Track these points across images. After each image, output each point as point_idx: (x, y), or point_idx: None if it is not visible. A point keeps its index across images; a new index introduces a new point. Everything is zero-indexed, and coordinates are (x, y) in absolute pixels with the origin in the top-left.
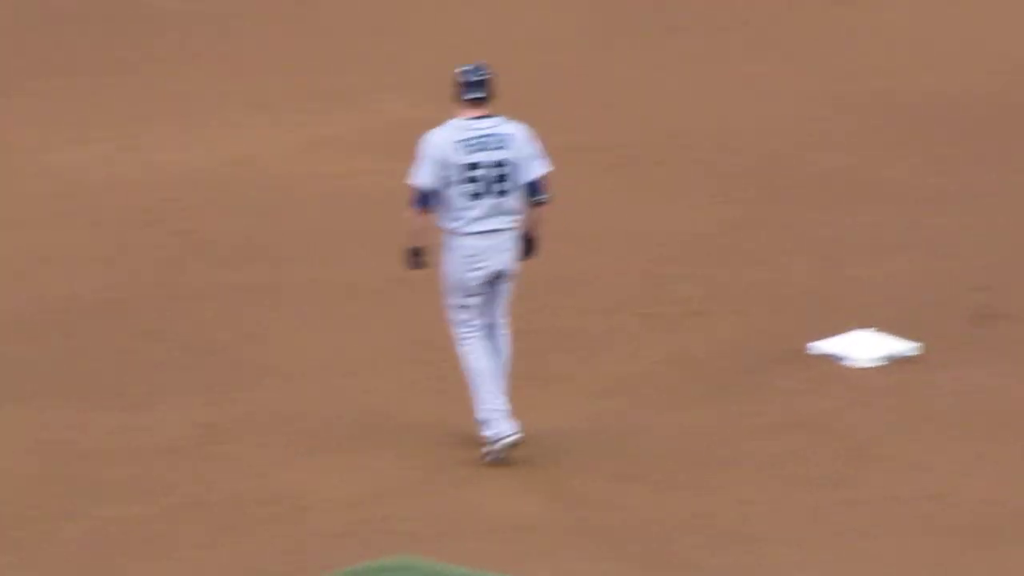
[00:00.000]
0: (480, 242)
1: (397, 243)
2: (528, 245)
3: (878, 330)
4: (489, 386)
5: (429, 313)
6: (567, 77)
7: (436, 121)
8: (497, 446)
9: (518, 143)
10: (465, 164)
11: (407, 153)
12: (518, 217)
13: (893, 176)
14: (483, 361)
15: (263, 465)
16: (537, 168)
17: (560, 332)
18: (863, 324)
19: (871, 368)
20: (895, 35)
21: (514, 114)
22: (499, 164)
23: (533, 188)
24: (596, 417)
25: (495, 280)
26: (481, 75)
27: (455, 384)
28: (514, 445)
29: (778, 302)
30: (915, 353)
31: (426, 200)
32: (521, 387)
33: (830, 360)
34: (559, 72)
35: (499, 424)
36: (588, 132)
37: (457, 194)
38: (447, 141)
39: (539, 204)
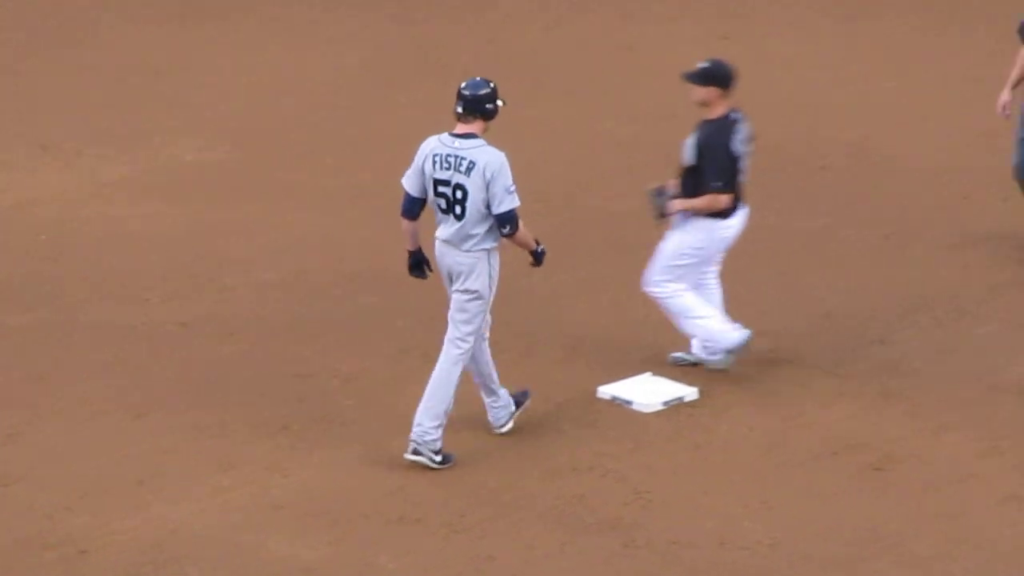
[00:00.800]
0: (441, 247)
1: (182, 286)
2: (534, 259)
3: (660, 374)
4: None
5: (215, 355)
6: (350, 117)
7: (227, 163)
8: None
9: (483, 174)
10: (434, 179)
11: (196, 195)
12: (477, 244)
13: None
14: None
15: (48, 508)
16: (503, 203)
17: (344, 375)
18: (648, 367)
19: (655, 412)
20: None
21: (299, 155)
22: (458, 188)
23: (500, 221)
24: (380, 460)
25: (454, 290)
26: (472, 91)
27: (239, 429)
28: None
29: (568, 344)
30: (696, 397)
31: (412, 205)
32: (308, 429)
33: (616, 404)
34: (342, 113)
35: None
36: (371, 173)
37: (433, 204)
38: (427, 152)
39: (506, 236)
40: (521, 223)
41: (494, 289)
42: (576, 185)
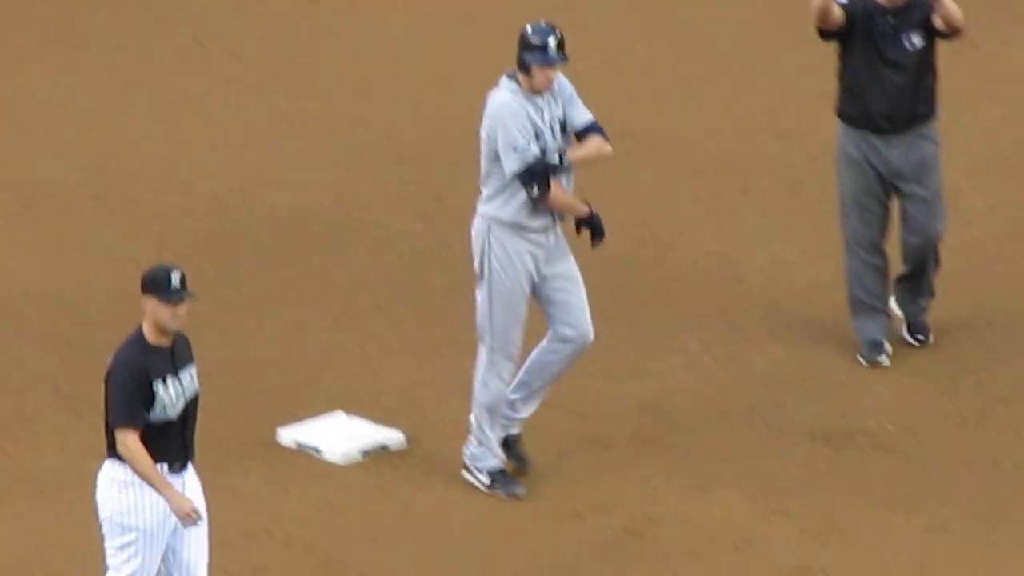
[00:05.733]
0: None
1: None
2: (588, 228)
3: (357, 412)
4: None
5: None
6: None
7: None
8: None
9: (484, 121)
10: None
11: None
12: (482, 204)
13: (381, 219)
14: None
15: None
16: (505, 161)
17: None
18: (340, 405)
19: (351, 464)
20: (375, 42)
21: None
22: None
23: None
24: None
25: None
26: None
27: None
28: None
29: (242, 379)
30: (403, 445)
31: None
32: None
33: (301, 452)
34: None
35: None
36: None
37: None
38: None
39: (536, 201)
40: (556, 183)
41: (500, 282)
42: (238, 180)
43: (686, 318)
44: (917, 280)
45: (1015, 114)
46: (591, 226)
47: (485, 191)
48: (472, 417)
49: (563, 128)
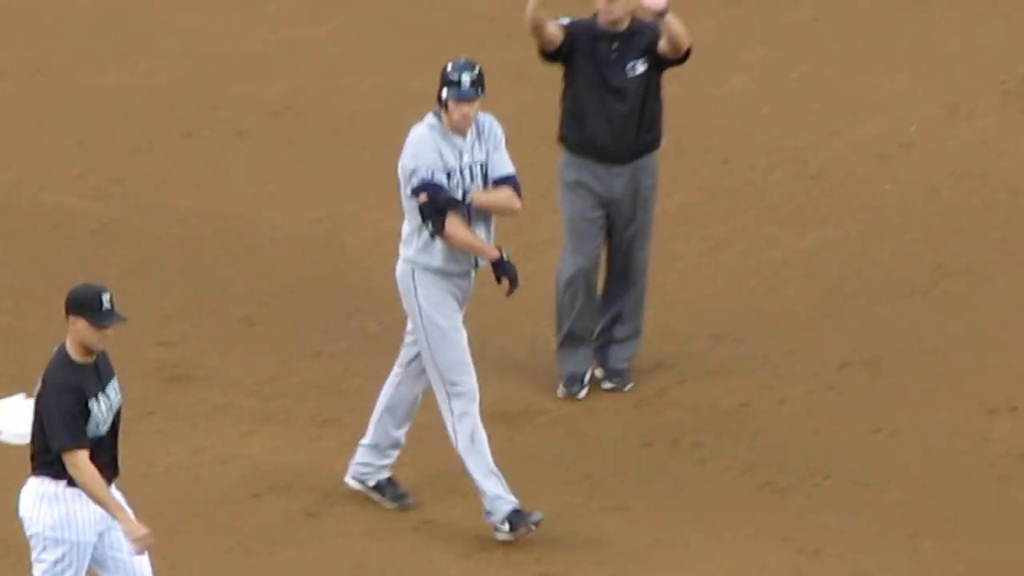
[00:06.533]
0: None
1: None
2: (500, 273)
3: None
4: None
5: None
6: None
7: None
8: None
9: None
10: None
11: None
12: (402, 247)
13: (61, 201)
14: None
15: None
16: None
17: None
18: (20, 387)
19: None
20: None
21: None
22: None
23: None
24: None
25: None
26: None
27: None
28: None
29: None
30: None
31: None
32: None
33: None
34: None
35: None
36: None
37: None
38: None
39: (432, 236)
40: (456, 220)
41: (434, 321)
42: None
43: (364, 299)
44: (620, 317)
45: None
46: (508, 274)
47: (404, 229)
48: (469, 472)
49: (484, 174)
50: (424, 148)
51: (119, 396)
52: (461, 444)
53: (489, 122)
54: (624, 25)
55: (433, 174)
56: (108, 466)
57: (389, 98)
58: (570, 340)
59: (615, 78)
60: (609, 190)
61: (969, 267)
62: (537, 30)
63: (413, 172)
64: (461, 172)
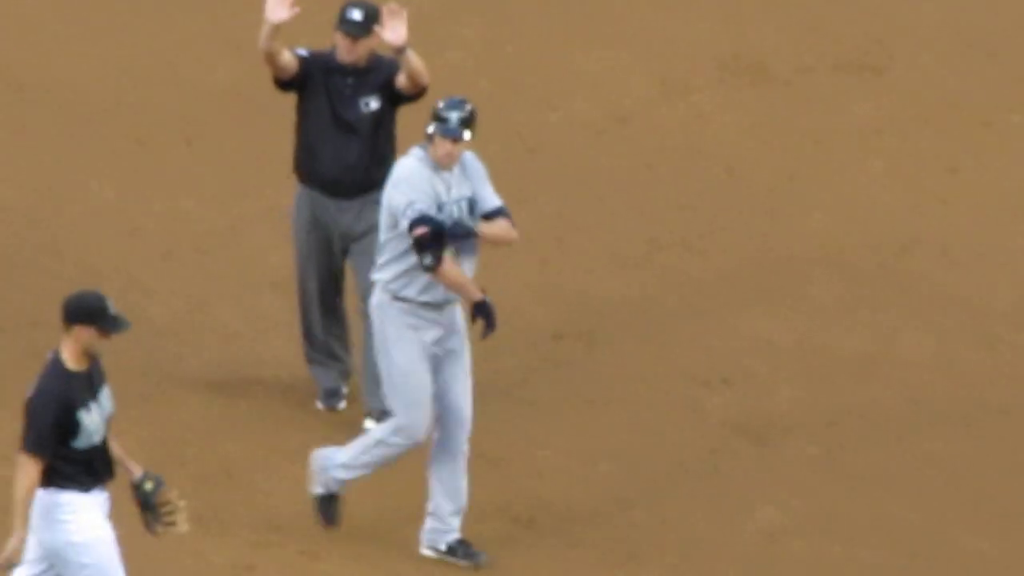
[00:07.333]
0: None
1: None
2: (478, 315)
3: None
4: None
5: None
6: None
7: None
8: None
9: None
10: None
11: None
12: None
13: None
14: None
15: None
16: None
17: None
18: None
19: None
20: None
21: None
22: None
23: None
24: None
25: None
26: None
27: None
28: None
29: None
30: None
31: None
32: None
33: None
34: None
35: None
36: None
37: None
38: None
39: (427, 271)
40: (450, 258)
41: (392, 364)
42: None
43: (86, 272)
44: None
45: None
46: (484, 315)
47: (380, 259)
48: (344, 449)
49: (471, 208)
50: (417, 181)
51: (111, 403)
52: (358, 458)
53: (470, 157)
54: (362, 61)
55: (428, 207)
56: (106, 468)
57: (106, 68)
58: (316, 360)
59: (347, 112)
60: (340, 224)
61: (683, 241)
62: (270, 59)
63: (408, 205)
64: (452, 206)
